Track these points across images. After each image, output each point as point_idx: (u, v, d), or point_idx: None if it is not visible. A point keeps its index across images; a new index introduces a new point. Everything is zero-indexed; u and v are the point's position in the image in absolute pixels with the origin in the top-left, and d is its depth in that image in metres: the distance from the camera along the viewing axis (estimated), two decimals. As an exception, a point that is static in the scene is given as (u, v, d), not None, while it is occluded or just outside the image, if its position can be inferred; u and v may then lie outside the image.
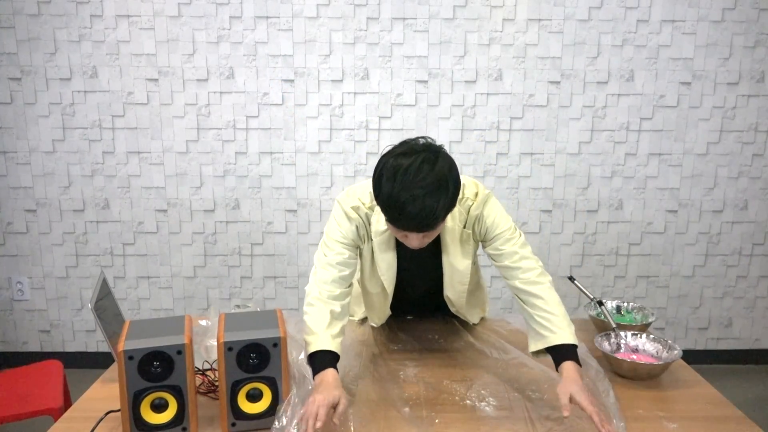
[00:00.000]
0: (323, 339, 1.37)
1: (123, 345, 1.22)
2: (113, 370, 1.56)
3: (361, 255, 1.61)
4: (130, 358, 1.21)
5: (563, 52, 2.98)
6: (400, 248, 1.56)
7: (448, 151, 1.39)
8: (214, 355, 1.62)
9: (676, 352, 1.53)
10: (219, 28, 2.92)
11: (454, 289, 1.63)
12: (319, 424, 1.22)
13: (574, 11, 2.94)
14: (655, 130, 3.07)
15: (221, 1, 2.89)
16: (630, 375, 1.51)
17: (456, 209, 1.48)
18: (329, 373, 1.32)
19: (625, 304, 1.86)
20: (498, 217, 1.52)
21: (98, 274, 3.13)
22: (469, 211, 1.52)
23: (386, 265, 1.56)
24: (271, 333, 1.28)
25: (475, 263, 1.74)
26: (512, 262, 1.50)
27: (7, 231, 3.09)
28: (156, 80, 2.96)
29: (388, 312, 1.75)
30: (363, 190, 1.54)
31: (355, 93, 3.00)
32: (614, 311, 1.85)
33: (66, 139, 3.01)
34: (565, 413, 1.26)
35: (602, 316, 1.74)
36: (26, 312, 3.19)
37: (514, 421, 1.32)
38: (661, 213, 3.15)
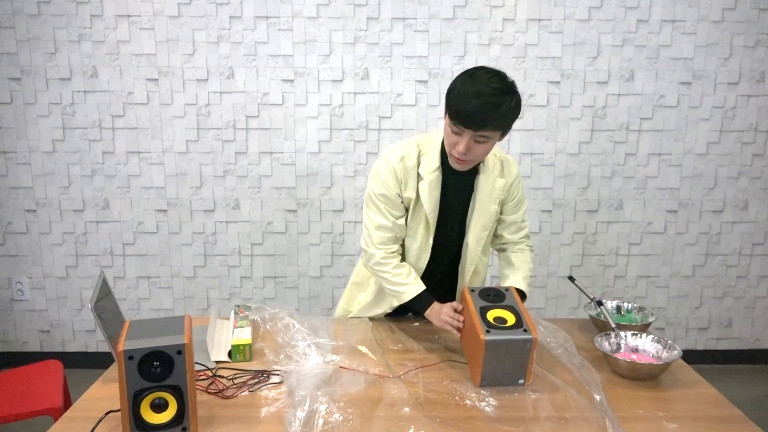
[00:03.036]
0: (413, 286, 1.69)
1: (123, 345, 1.22)
2: (113, 370, 1.56)
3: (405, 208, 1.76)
4: (130, 358, 1.21)
5: (563, 52, 2.98)
6: (441, 192, 1.73)
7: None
8: (214, 357, 1.62)
9: (676, 352, 1.53)
10: (219, 28, 2.92)
11: (476, 231, 1.76)
12: (458, 324, 1.57)
13: (574, 11, 2.94)
14: (655, 130, 3.07)
15: (221, 1, 2.89)
16: (630, 375, 1.51)
17: (494, 155, 1.74)
18: (434, 304, 1.68)
19: (625, 304, 1.86)
20: (524, 193, 1.85)
21: (98, 274, 3.14)
22: (502, 165, 1.77)
23: (432, 205, 1.70)
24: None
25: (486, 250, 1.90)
26: (510, 232, 1.85)
27: (7, 231, 3.09)
28: (156, 80, 2.96)
29: (422, 267, 1.81)
30: (410, 143, 1.73)
31: (355, 93, 3.00)
32: (614, 311, 1.85)
33: (66, 139, 3.01)
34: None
35: (602, 316, 1.74)
36: (26, 312, 3.19)
37: (514, 421, 1.32)
38: (661, 213, 3.15)
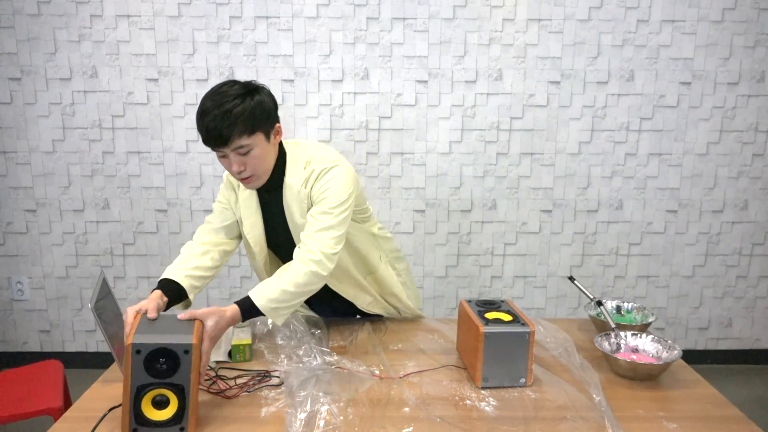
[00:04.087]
0: (171, 268, 1.65)
1: (132, 338, 1.22)
2: (113, 370, 1.56)
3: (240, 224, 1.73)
4: (138, 352, 1.21)
5: (563, 52, 2.98)
6: (265, 212, 1.68)
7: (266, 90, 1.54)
8: (214, 356, 1.62)
9: (676, 352, 1.53)
10: (219, 28, 2.92)
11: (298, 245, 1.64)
12: (127, 329, 1.33)
13: (574, 11, 2.94)
14: (655, 130, 3.07)
15: (221, 1, 2.89)
16: (630, 375, 1.51)
17: (299, 170, 1.60)
18: (155, 292, 1.54)
19: (625, 304, 1.86)
20: (333, 189, 1.58)
21: (98, 274, 3.14)
22: (311, 173, 1.61)
23: (250, 223, 1.68)
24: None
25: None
26: (308, 231, 1.57)
27: (7, 231, 3.09)
28: (156, 80, 2.96)
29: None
30: None
31: (355, 93, 3.00)
32: (614, 311, 1.85)
33: (66, 139, 3.01)
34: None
35: (602, 316, 1.74)
36: (26, 312, 3.19)
37: (514, 421, 1.32)
38: (661, 213, 3.15)
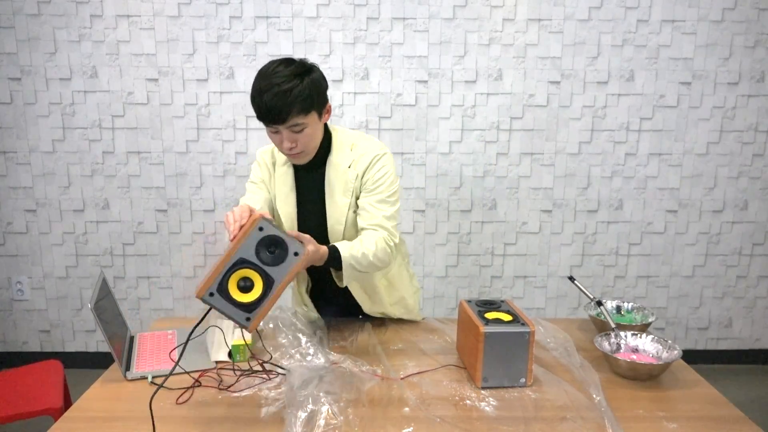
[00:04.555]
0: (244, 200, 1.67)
1: (261, 216, 1.27)
2: (113, 370, 1.56)
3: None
4: (261, 229, 1.26)
5: (563, 52, 2.98)
6: (298, 189, 1.71)
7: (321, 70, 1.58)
8: (214, 356, 1.62)
9: (676, 352, 1.53)
10: (219, 28, 2.92)
11: (331, 225, 1.70)
12: (243, 214, 1.33)
13: (574, 11, 2.94)
14: (655, 130, 3.07)
15: (221, 1, 2.89)
16: (630, 375, 1.51)
17: (345, 151, 1.67)
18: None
19: (625, 304, 1.86)
20: (386, 176, 1.66)
21: (98, 274, 3.14)
22: (361, 156, 1.66)
23: (283, 199, 1.70)
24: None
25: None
26: (375, 220, 1.65)
27: (7, 231, 3.09)
28: (156, 80, 2.96)
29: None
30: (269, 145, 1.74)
31: (355, 93, 3.00)
32: (614, 311, 1.85)
33: (66, 139, 3.01)
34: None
35: (602, 316, 1.74)
36: (26, 312, 3.19)
37: (514, 421, 1.32)
38: (661, 213, 3.15)
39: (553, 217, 3.15)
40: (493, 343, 1.43)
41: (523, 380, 1.46)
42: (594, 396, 1.40)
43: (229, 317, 1.26)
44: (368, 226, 1.63)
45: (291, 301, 2.02)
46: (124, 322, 1.75)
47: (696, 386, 1.50)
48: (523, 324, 1.46)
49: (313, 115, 1.55)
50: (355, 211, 1.70)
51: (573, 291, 3.23)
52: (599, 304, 1.78)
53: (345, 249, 1.55)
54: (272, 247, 1.28)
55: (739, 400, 2.93)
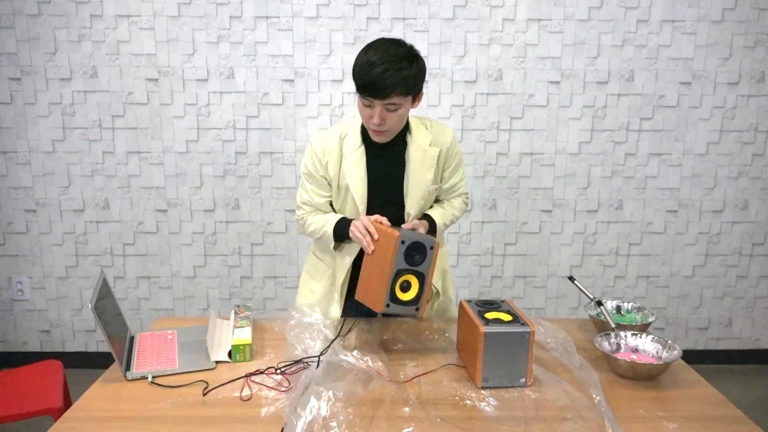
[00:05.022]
0: (332, 219, 1.77)
1: (398, 232, 1.51)
2: (113, 370, 1.56)
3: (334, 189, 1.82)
4: (402, 242, 1.51)
5: (563, 52, 2.98)
6: (369, 170, 1.77)
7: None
8: (214, 356, 1.62)
9: (676, 352, 1.53)
10: (219, 28, 2.92)
11: (415, 202, 1.79)
12: (365, 234, 1.61)
13: (574, 11, 2.94)
14: (655, 130, 3.07)
15: (221, 1, 2.89)
16: (630, 375, 1.51)
17: (422, 131, 1.78)
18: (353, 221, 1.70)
19: (625, 304, 1.86)
20: (459, 151, 1.86)
21: (98, 274, 3.14)
22: (434, 134, 1.79)
23: (357, 183, 1.75)
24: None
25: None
26: (458, 192, 1.91)
27: (7, 231, 3.09)
28: (156, 80, 2.96)
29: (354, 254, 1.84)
30: (333, 128, 1.83)
31: (355, 93, 2.99)
32: (614, 311, 1.85)
33: (66, 139, 3.01)
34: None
35: (602, 316, 1.74)
36: (26, 312, 3.19)
37: (514, 421, 1.32)
38: (661, 213, 3.15)
39: (553, 217, 3.15)
40: (493, 343, 1.43)
41: (523, 380, 1.46)
42: (594, 396, 1.40)
43: (402, 315, 1.66)
44: (455, 195, 1.89)
45: (296, 297, 2.02)
46: (124, 322, 1.75)
47: (696, 386, 1.50)
48: (523, 324, 1.46)
49: (409, 99, 1.64)
50: (435, 184, 1.82)
51: (573, 291, 3.23)
52: (599, 304, 1.78)
53: (439, 218, 1.80)
54: (414, 251, 1.55)
55: (739, 400, 2.93)
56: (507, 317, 1.50)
